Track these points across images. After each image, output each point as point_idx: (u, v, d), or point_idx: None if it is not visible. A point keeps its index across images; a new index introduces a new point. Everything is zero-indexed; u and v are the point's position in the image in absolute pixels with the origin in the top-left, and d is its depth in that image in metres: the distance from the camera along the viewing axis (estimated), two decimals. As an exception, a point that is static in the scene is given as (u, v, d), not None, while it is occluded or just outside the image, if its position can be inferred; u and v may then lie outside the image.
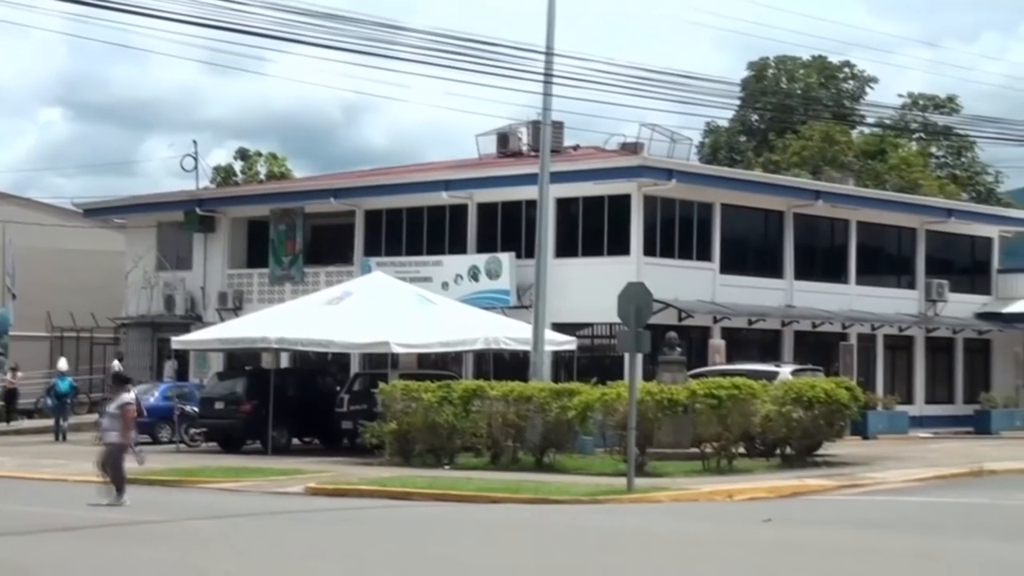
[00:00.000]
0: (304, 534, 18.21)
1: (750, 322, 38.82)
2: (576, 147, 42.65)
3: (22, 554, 15.89)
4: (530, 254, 33.76)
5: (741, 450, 27.68)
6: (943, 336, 44.76)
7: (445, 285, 38.34)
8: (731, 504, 22.29)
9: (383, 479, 25.02)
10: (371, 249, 41.61)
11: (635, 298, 23.48)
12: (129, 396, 22.19)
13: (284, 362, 39.18)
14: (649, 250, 36.83)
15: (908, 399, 42.90)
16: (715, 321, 37.84)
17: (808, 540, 17.12)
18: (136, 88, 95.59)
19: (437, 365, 36.97)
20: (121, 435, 21.59)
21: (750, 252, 40.34)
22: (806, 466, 27.47)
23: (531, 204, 33.46)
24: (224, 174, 61.58)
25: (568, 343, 34.31)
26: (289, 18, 23.47)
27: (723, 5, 52.94)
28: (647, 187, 36.66)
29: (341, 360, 39.44)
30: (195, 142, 50.63)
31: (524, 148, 41.50)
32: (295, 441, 35.19)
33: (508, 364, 35.31)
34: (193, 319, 44.43)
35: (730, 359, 35.76)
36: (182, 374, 43.18)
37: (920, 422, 42.11)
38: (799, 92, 64.34)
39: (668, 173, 36.67)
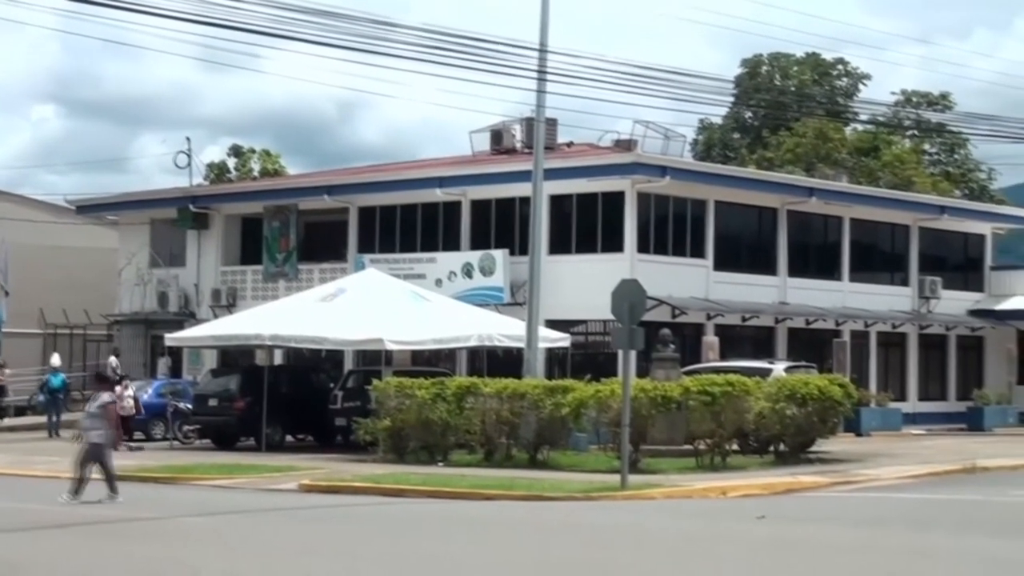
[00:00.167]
0: (297, 531, 18.21)
1: (744, 319, 38.85)
2: (570, 144, 42.67)
3: (14, 551, 15.87)
4: (524, 251, 33.75)
5: (735, 447, 27.70)
6: (936, 333, 44.81)
7: (439, 282, 38.34)
8: (725, 501, 22.30)
9: (376, 476, 25.02)
10: (365, 246, 41.60)
11: (629, 295, 23.49)
12: (109, 395, 22.07)
13: (278, 359, 39.13)
14: (643, 247, 36.85)
15: (901, 396, 42.97)
16: (709, 318, 37.85)
17: (801, 537, 17.13)
18: (129, 85, 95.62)
19: (431, 362, 36.97)
20: (105, 434, 21.45)
21: (744, 249, 40.36)
22: (799, 463, 27.50)
23: (525, 201, 33.45)
24: (218, 171, 61.58)
25: (562, 340, 34.31)
26: (283, 15, 23.44)
27: (717, 2, 53.04)
28: (641, 184, 36.66)
29: (335, 357, 39.43)
30: (188, 139, 50.81)
31: (518, 145, 41.50)
32: (289, 438, 35.16)
33: (502, 361, 35.29)
34: (187, 316, 44.40)
35: (724, 356, 35.79)
36: (176, 371, 43.20)
37: (913, 419, 42.17)
38: (793, 89, 64.41)
39: (662, 170, 36.68)
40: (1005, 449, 32.51)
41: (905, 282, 44.32)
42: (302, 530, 18.29)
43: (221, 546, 16.53)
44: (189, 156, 50.84)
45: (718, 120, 66.54)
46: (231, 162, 63.10)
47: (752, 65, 66.59)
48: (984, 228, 47.29)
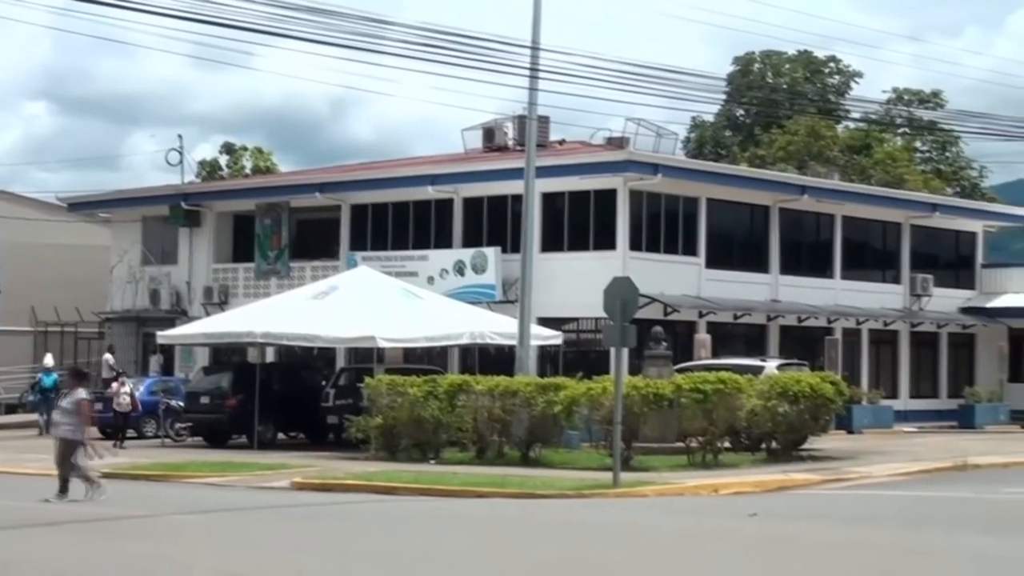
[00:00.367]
0: (289, 529, 18.20)
1: (736, 317, 38.87)
2: (562, 142, 42.68)
3: (6, 549, 15.83)
4: (516, 249, 33.74)
5: (726, 444, 27.72)
6: (928, 331, 44.87)
7: (431, 280, 38.33)
8: (716, 498, 22.32)
9: (368, 474, 25.01)
10: (357, 243, 41.58)
11: (621, 293, 23.50)
12: (85, 392, 21.83)
13: (270, 357, 39.12)
14: (635, 245, 36.85)
15: (893, 393, 43.01)
16: (701, 316, 37.87)
17: (793, 534, 17.15)
18: (121, 82, 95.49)
19: (423, 360, 36.97)
20: (77, 431, 21.23)
21: (736, 247, 40.38)
22: (791, 460, 27.53)
23: (517, 199, 33.45)
24: (209, 168, 61.50)
25: (554, 338, 34.32)
26: (276, 12, 23.41)
27: (709, 0, 52.98)
28: (633, 182, 36.68)
29: (327, 355, 39.41)
30: (180, 136, 50.59)
31: (510, 143, 41.50)
32: (281, 436, 35.15)
33: (494, 359, 35.30)
34: (178, 314, 44.37)
35: (716, 354, 35.81)
36: (167, 369, 43.17)
37: (905, 416, 42.25)
38: (785, 87, 64.43)
39: (654, 168, 36.69)
40: (996, 446, 32.57)
41: (897, 280, 44.37)
42: (294, 528, 18.28)
43: (213, 544, 16.51)
44: (181, 153, 50.76)
45: (710, 118, 66.61)
46: (223, 159, 63.03)
47: (744, 63, 66.64)
48: (975, 226, 47.35)
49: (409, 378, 29.39)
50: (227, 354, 41.59)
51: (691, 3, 48.89)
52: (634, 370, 30.17)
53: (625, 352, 24.44)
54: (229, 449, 32.58)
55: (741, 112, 67.67)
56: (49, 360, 42.18)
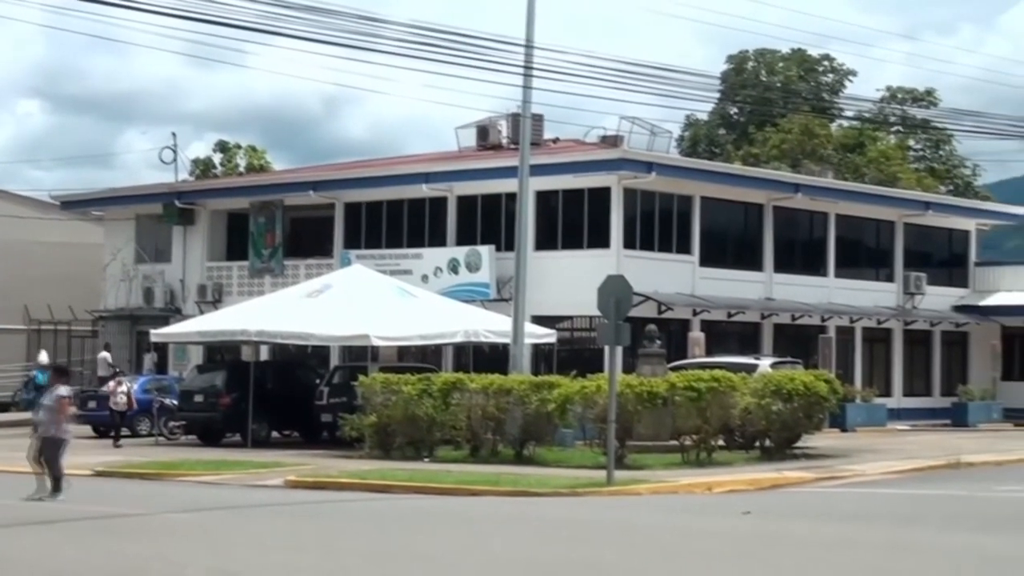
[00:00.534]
0: (283, 527, 18.20)
1: (729, 315, 38.89)
2: (556, 140, 42.71)
3: (0, 546, 15.83)
4: (510, 247, 33.75)
5: (720, 443, 27.74)
6: (921, 329, 44.93)
7: (425, 278, 38.33)
8: (710, 496, 22.34)
9: (363, 472, 25.01)
10: (351, 242, 41.57)
11: (615, 291, 23.51)
12: (65, 389, 21.72)
13: (264, 355, 39.10)
14: (629, 243, 36.87)
15: (886, 392, 43.07)
16: (695, 314, 37.90)
17: (787, 532, 17.17)
18: (115, 80, 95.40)
19: (417, 358, 36.97)
20: (57, 428, 21.14)
21: (730, 245, 40.42)
22: (785, 458, 27.55)
23: (511, 197, 33.45)
24: (203, 167, 61.45)
25: (548, 336, 34.33)
26: (270, 11, 23.42)
27: (703, -2, 52.99)
28: (627, 180, 36.69)
29: (321, 353, 39.41)
30: (174, 134, 50.41)
31: (504, 141, 41.51)
32: (275, 434, 35.12)
33: (488, 357, 35.31)
34: (172, 312, 44.34)
35: (710, 352, 35.84)
36: (161, 367, 43.12)
37: (898, 414, 42.30)
38: (778, 85, 64.50)
39: (648, 166, 36.72)
40: (989, 445, 32.63)
41: (890, 278, 44.42)
42: (288, 526, 18.28)
43: (207, 542, 16.51)
44: (175, 152, 50.70)
45: (704, 116, 66.64)
46: (217, 158, 63.00)
47: (738, 61, 66.69)
48: (969, 224, 47.41)
49: (403, 376, 29.39)
50: (221, 352, 41.59)
51: (685, 1, 48.85)
52: (628, 368, 30.20)
53: (619, 350, 24.46)
54: (223, 447, 32.58)
55: (735, 110, 67.70)
56: (44, 357, 42.18)
